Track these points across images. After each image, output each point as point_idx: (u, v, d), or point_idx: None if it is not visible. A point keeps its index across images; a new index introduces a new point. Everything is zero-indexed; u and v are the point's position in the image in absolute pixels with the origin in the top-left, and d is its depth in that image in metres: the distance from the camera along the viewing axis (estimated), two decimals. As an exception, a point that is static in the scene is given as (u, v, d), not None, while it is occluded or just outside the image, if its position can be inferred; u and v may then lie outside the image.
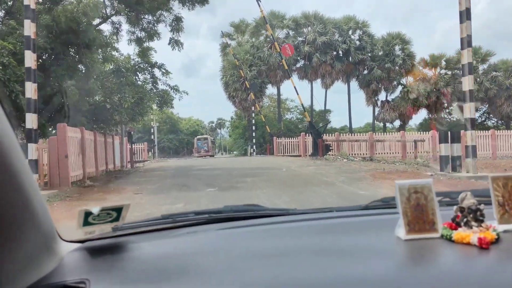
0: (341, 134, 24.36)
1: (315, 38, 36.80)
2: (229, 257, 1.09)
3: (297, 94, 23.24)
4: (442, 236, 1.07)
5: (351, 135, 26.29)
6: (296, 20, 38.02)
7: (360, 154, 22.86)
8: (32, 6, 9.80)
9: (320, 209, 1.61)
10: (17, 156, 0.81)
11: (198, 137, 50.41)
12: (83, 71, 12.45)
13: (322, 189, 9.56)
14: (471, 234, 1.02)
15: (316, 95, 42.13)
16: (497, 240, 1.02)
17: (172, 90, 17.28)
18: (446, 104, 39.91)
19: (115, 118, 16.36)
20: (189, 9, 15.08)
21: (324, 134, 21.95)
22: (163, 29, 16.37)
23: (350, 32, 39.03)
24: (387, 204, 1.52)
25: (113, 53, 16.22)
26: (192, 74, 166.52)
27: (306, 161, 17.94)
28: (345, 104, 45.42)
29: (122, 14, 14.13)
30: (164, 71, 16.33)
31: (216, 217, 1.48)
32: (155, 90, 17.20)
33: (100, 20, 14.01)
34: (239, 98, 37.07)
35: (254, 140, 36.44)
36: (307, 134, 23.45)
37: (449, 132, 12.10)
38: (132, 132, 23.30)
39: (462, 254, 0.99)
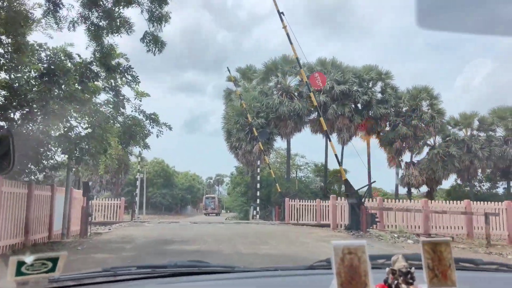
0: (385, 200, 17.30)
1: (333, 86, 30.95)
2: None
3: (329, 139, 16.64)
4: None
5: (388, 201, 19.40)
6: (311, 67, 32.38)
7: (407, 226, 15.85)
8: None
9: (266, 268, 1.51)
10: None
11: (206, 195, 52.25)
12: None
13: None
14: None
15: (330, 153, 35.70)
16: None
17: (148, 120, 10.67)
18: (480, 170, 33.36)
19: (49, 158, 9.53)
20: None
21: (366, 200, 15.01)
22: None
23: (370, 84, 33.27)
24: (330, 264, 1.34)
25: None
26: (195, 131, 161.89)
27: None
28: (360, 164, 38.85)
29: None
30: (131, 79, 9.81)
31: (160, 272, 1.37)
32: (121, 120, 10.54)
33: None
34: (243, 150, 30.50)
35: (258, 201, 29.40)
36: (339, 198, 16.48)
37: None
38: (90, 183, 16.31)
39: None
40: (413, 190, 34.65)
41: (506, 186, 34.80)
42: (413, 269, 1.09)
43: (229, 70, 28.16)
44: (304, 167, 36.58)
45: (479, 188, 36.27)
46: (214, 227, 15.99)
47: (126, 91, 10.57)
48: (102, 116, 9.65)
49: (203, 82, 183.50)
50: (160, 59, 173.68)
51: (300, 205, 21.81)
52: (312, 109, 32.30)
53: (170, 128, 10.84)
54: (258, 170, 30.15)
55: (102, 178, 40.89)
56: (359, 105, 32.77)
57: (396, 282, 1.08)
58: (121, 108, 9.95)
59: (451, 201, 16.29)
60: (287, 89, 32.21)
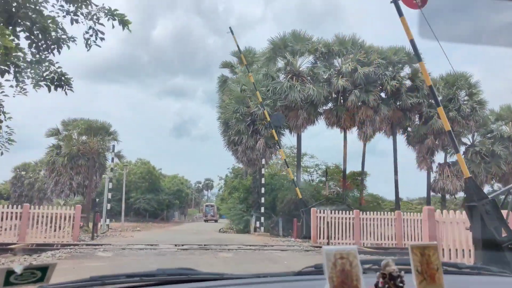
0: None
1: (355, 68, 24.24)
2: None
3: (439, 105, 9.67)
4: None
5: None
6: (328, 45, 25.66)
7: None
8: None
9: (255, 274, 1.43)
10: None
11: (206, 204, 59.06)
12: None
13: None
14: None
15: (351, 151, 29.24)
16: None
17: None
18: (529, 174, 26.91)
19: None
20: None
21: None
22: None
23: (396, 68, 26.61)
24: (319, 270, 1.37)
25: None
26: (183, 135, 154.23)
27: None
28: (384, 165, 32.51)
29: None
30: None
31: (148, 280, 1.30)
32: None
33: None
34: (243, 145, 23.53)
35: (262, 209, 22.50)
36: (457, 211, 9.44)
37: None
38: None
39: None
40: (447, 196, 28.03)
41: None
42: (402, 273, 1.07)
43: (231, 31, 21.10)
44: (313, 169, 29.65)
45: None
46: (218, 263, 8.95)
47: None
48: None
49: (192, 86, 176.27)
50: (149, 64, 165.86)
51: (331, 218, 14.91)
52: (328, 96, 25.60)
53: (127, 24, 4.12)
54: (263, 171, 23.26)
55: (72, 180, 33.61)
56: (383, 93, 26.18)
57: (386, 286, 1.07)
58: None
59: None
60: (298, 72, 25.45)
